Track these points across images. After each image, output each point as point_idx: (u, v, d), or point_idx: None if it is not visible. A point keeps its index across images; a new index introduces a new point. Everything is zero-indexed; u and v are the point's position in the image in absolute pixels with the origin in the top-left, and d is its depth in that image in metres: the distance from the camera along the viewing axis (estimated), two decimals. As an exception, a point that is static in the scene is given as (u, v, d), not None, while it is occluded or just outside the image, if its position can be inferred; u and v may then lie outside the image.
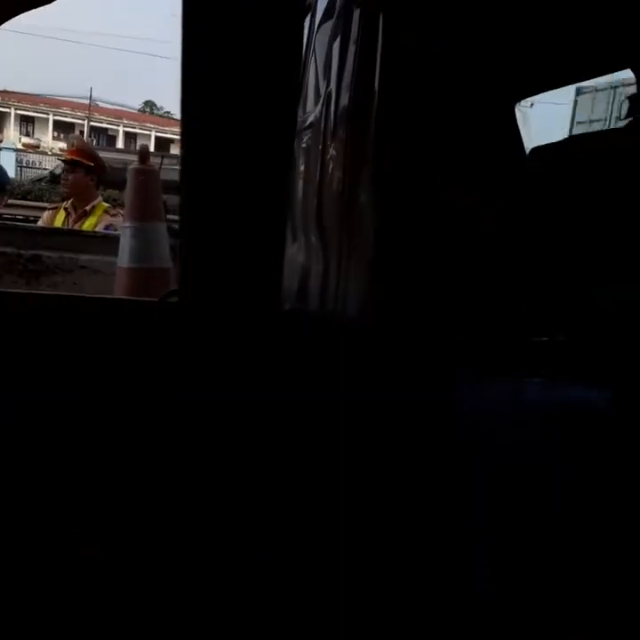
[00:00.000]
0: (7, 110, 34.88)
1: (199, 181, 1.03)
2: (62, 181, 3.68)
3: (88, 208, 3.62)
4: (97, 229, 3.51)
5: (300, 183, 1.57)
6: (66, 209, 3.71)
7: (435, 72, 1.25)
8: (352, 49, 1.30)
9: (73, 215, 3.65)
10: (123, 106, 38.01)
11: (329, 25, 1.54)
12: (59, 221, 3.68)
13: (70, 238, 2.75)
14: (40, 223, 3.82)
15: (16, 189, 11.20)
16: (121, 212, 3.65)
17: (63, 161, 3.70)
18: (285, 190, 1.10)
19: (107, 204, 3.78)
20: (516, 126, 2.69)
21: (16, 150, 24.50)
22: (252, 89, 1.03)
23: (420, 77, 1.25)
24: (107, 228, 3.50)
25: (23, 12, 1.77)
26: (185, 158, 1.01)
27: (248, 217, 1.04)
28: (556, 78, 2.56)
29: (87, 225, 3.57)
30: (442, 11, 1.26)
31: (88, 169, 3.63)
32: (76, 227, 3.56)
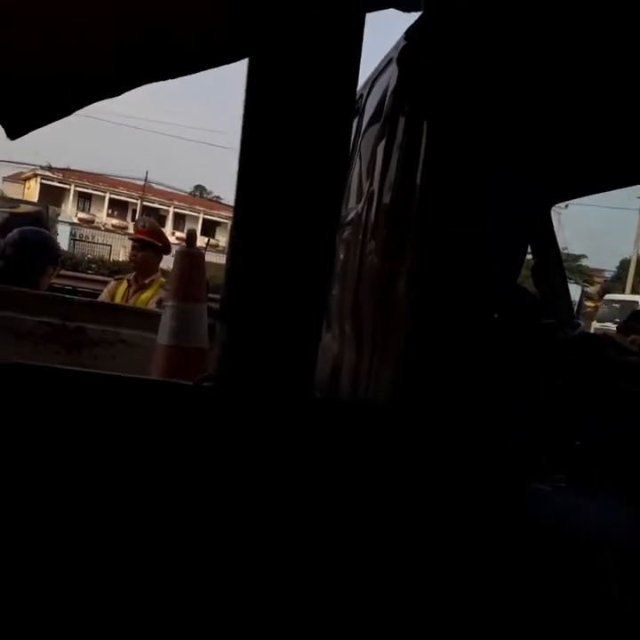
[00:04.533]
0: (67, 187, 36.85)
1: (244, 270, 1.07)
2: (131, 257, 4.03)
3: (147, 281, 3.93)
4: (151, 302, 3.81)
5: (338, 275, 1.61)
6: (128, 280, 4.02)
7: (476, 179, 1.30)
8: (396, 152, 1.37)
9: (133, 286, 3.96)
10: (174, 188, 39.79)
11: (375, 129, 1.62)
12: (120, 291, 3.99)
13: (113, 312, 2.84)
14: (105, 292, 4.14)
15: (67, 261, 11.70)
16: (168, 288, 4.00)
17: (133, 239, 4.04)
18: (327, 282, 1.14)
19: (163, 280, 4.09)
20: (552, 229, 2.73)
21: (71, 224, 25.67)
22: (302, 184, 1.09)
23: (462, 182, 1.30)
24: (159, 302, 3.74)
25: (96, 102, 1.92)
26: (233, 249, 1.06)
27: (289, 306, 1.07)
28: (594, 183, 2.62)
29: (144, 297, 3.89)
30: (484, 122, 1.32)
31: (156, 249, 4.01)
32: (135, 297, 3.91)
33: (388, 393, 1.33)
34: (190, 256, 2.20)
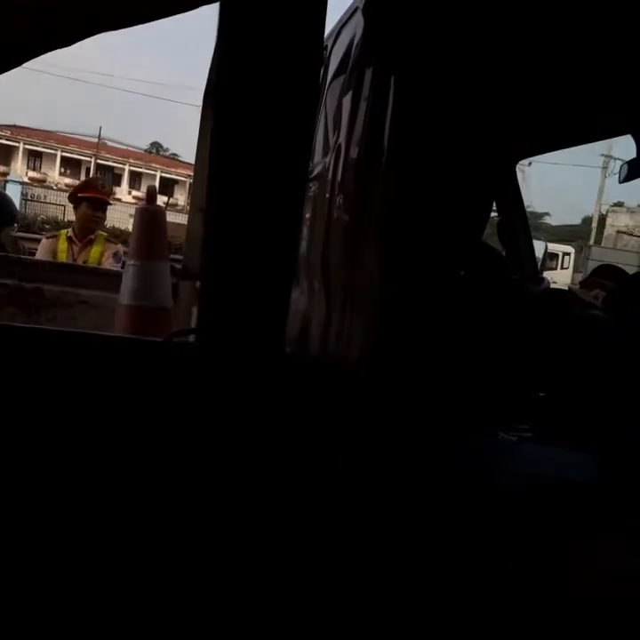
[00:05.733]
0: (16, 144, 35.42)
1: (217, 228, 1.06)
2: (93, 218, 3.94)
3: (93, 237, 3.92)
4: (106, 255, 3.85)
5: (306, 230, 1.59)
6: (69, 238, 3.93)
7: (443, 132, 1.29)
8: (363, 106, 1.34)
9: (78, 244, 3.90)
10: (130, 146, 38.66)
11: (340, 80, 1.59)
12: (62, 249, 3.91)
13: (72, 273, 2.77)
14: (41, 250, 4.04)
15: (19, 222, 11.32)
16: (113, 241, 4.16)
17: (96, 200, 3.97)
18: (296, 237, 1.13)
19: (104, 233, 4.15)
20: (517, 186, 2.76)
21: (22, 183, 24.77)
22: (270, 139, 1.07)
23: (429, 137, 1.29)
24: (115, 254, 3.86)
25: (46, 52, 1.83)
26: (210, 207, 1.05)
27: (260, 263, 1.07)
28: (557, 140, 2.64)
29: (94, 251, 3.88)
30: (453, 72, 1.31)
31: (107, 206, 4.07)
32: (83, 253, 3.87)
33: (357, 350, 1.34)
34: (151, 213, 2.14)
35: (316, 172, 1.64)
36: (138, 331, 1.96)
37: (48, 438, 1.04)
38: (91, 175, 33.54)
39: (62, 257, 3.86)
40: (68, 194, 4.21)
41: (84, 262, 3.75)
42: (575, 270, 19.92)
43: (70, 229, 4.01)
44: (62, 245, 3.92)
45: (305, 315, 1.52)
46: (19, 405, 1.02)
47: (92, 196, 3.93)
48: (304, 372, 1.25)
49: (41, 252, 4.02)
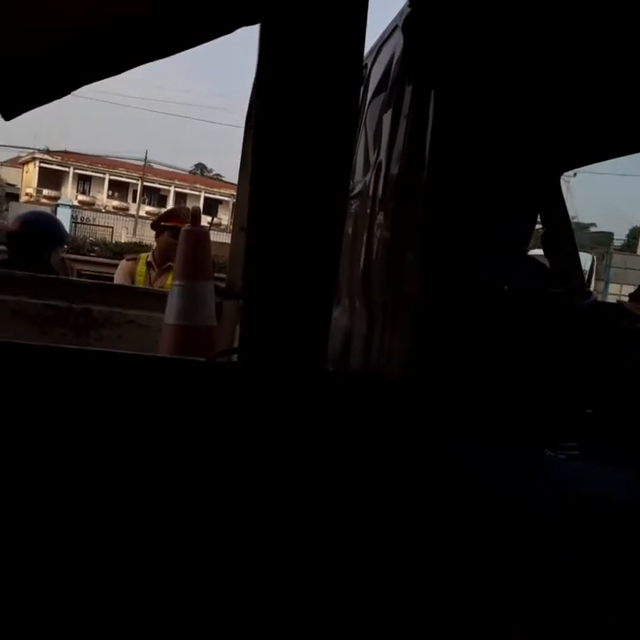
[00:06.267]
0: (66, 169, 36.66)
1: (258, 247, 1.07)
2: (174, 246, 3.96)
3: (171, 264, 3.93)
4: None
5: (347, 248, 1.60)
6: (149, 262, 4.04)
7: (484, 148, 1.28)
8: (403, 123, 1.34)
9: (156, 269, 4.01)
10: (175, 168, 39.57)
11: (381, 98, 1.59)
12: (140, 272, 4.03)
13: (120, 294, 2.84)
14: (119, 271, 4.17)
15: (69, 244, 11.68)
16: None
17: (179, 229, 3.98)
18: (338, 254, 1.13)
19: None
20: (562, 197, 2.71)
21: (72, 207, 25.56)
22: (310, 159, 1.08)
23: (470, 152, 1.28)
24: None
25: (96, 81, 1.89)
26: (252, 227, 1.06)
27: (301, 282, 1.07)
28: (602, 150, 2.59)
29: (171, 278, 3.86)
30: (492, 87, 1.30)
31: None
32: (160, 279, 3.97)
33: (400, 366, 1.33)
34: (195, 234, 2.19)
35: (356, 190, 1.65)
36: (182, 350, 1.99)
37: (93, 456, 1.06)
38: (137, 197, 34.48)
39: (140, 280, 3.96)
40: (150, 221, 4.18)
41: (160, 287, 3.81)
42: (597, 278, 19.18)
43: (150, 254, 4.11)
44: (141, 268, 4.04)
45: (346, 333, 1.52)
46: (63, 424, 1.05)
47: (175, 225, 3.96)
48: (346, 390, 1.25)
49: (119, 274, 4.16)
